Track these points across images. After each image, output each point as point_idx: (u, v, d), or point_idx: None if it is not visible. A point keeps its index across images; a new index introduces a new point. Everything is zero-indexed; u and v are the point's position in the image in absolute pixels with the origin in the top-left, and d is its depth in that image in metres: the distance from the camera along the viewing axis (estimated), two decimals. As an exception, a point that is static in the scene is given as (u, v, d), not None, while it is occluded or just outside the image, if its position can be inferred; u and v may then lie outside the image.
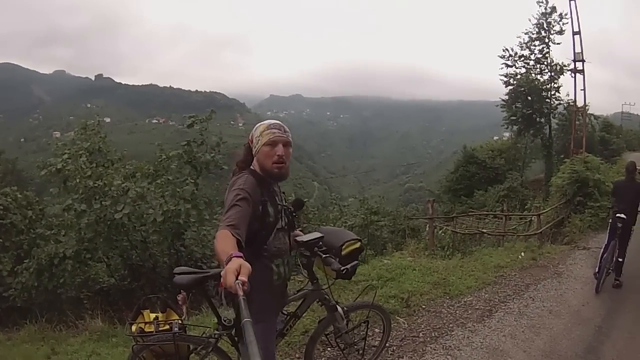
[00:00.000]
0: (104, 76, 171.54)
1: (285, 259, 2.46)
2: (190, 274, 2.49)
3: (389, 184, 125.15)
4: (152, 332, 2.58)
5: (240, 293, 1.50)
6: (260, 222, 2.27)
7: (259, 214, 2.26)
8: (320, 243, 2.71)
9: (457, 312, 4.91)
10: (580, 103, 18.44)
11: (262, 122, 2.38)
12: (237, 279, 1.55)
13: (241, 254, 1.70)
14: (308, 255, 2.74)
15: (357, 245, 2.87)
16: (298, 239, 2.64)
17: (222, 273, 1.61)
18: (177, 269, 2.54)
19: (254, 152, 2.35)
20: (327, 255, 2.65)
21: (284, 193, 2.54)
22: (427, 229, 11.66)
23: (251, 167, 2.38)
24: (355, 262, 2.76)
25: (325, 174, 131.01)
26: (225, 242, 1.87)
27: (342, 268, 2.60)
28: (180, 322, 2.63)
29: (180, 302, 2.73)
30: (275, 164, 2.29)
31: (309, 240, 2.66)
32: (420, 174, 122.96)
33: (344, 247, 2.77)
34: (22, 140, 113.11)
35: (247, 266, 1.62)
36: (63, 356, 4.31)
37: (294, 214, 2.60)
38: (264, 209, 2.29)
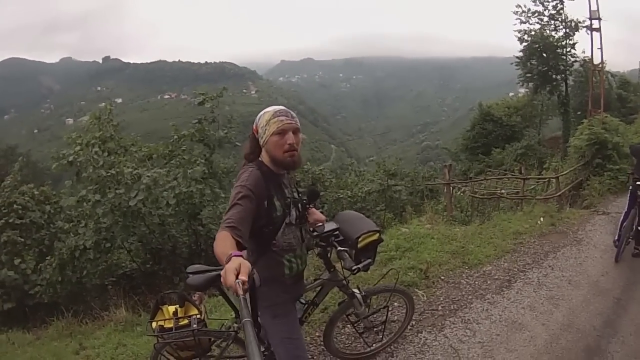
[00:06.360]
0: (112, 57, 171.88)
1: (297, 252, 2.41)
2: (204, 273, 2.44)
3: (405, 143, 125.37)
4: (171, 328, 2.60)
5: (240, 292, 1.50)
6: (267, 217, 2.21)
7: (264, 208, 2.19)
8: (337, 232, 2.66)
9: (476, 282, 4.84)
10: (597, 61, 17.62)
11: (265, 110, 2.26)
12: (237, 278, 1.54)
13: (241, 253, 1.69)
14: (324, 245, 2.69)
15: (375, 237, 2.73)
16: (314, 230, 2.61)
17: (222, 273, 1.60)
18: (190, 268, 2.48)
19: (261, 143, 2.25)
20: (342, 249, 2.60)
21: (298, 183, 2.47)
22: (444, 191, 11.56)
23: (259, 158, 2.28)
24: (369, 260, 2.67)
25: (341, 136, 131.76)
26: (224, 243, 1.83)
27: (354, 267, 2.55)
28: (198, 317, 2.65)
29: (197, 302, 2.74)
30: (287, 152, 2.20)
31: (324, 233, 2.62)
32: (436, 132, 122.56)
33: (360, 239, 2.65)
34: (35, 131, 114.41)
35: (247, 265, 1.60)
36: (91, 350, 4.36)
37: (308, 206, 2.52)
38: (269, 203, 2.22)
